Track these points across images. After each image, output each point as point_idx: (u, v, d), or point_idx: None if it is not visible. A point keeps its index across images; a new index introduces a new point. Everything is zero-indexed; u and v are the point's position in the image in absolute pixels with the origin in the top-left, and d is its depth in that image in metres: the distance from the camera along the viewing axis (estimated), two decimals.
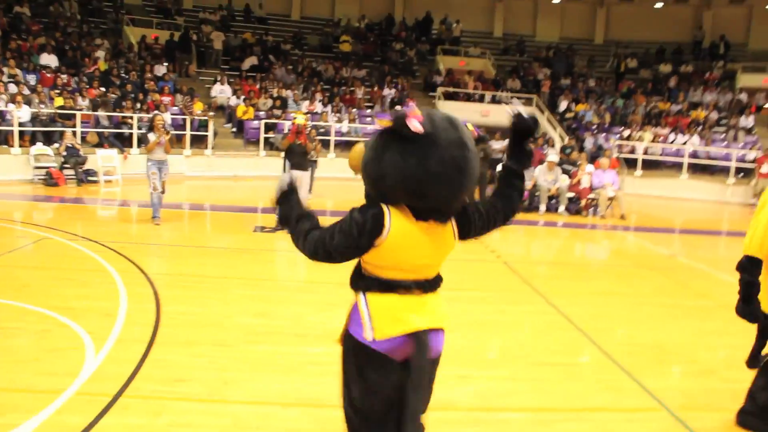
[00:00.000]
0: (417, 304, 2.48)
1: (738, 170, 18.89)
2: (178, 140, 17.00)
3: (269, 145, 18.10)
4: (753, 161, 18.56)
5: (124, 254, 7.51)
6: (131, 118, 16.14)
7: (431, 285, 2.54)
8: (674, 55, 26.46)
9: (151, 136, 9.49)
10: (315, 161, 13.20)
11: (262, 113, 18.73)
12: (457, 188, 2.36)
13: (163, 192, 9.69)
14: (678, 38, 27.37)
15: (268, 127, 18.06)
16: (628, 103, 23.09)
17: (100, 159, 14.48)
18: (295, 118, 10.21)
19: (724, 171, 19.09)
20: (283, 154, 10.25)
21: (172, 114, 16.98)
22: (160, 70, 19.54)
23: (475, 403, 4.15)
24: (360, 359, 2.50)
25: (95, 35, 21.19)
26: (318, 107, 19.80)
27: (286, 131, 10.09)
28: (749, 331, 6.18)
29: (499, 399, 4.23)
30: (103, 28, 22.22)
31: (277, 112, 18.85)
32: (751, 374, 4.14)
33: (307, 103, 19.85)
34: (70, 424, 3.52)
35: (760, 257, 3.77)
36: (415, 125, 2.27)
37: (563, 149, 17.38)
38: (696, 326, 6.27)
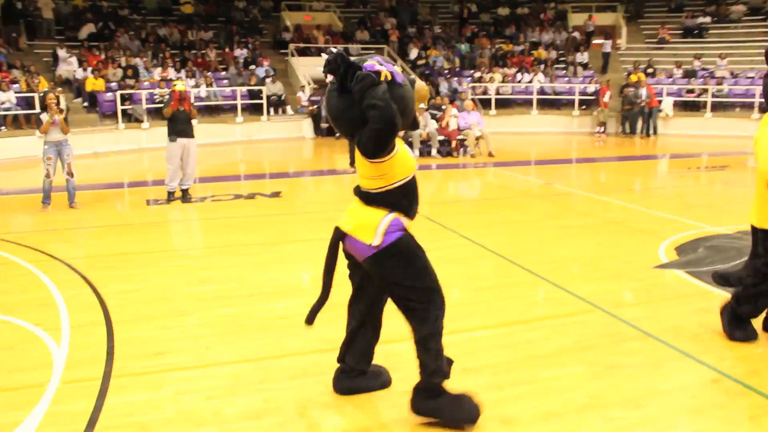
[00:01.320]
0: None
1: (581, 102, 20.60)
2: (26, 121, 15.81)
3: (127, 117, 17.23)
4: (593, 94, 20.30)
5: (25, 244, 7.09)
6: None
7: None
8: None
9: (44, 117, 8.85)
10: None
11: (113, 84, 17.71)
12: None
13: (71, 176, 9.10)
14: None
15: (124, 99, 17.14)
16: (474, 47, 24.19)
17: None
18: (175, 85, 9.91)
19: (569, 104, 20.75)
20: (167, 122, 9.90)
21: (15, 93, 15.63)
22: None
23: None
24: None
25: None
26: (171, 73, 19.02)
27: (167, 98, 9.75)
28: (635, 240, 7.12)
29: (460, 322, 4.61)
30: None
31: (130, 81, 17.90)
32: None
33: (159, 69, 18.98)
34: (75, 411, 3.48)
35: None
36: None
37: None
38: (592, 240, 7.07)
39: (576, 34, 24.38)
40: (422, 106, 3.79)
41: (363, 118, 3.00)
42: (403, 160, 3.17)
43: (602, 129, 19.42)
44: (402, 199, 3.22)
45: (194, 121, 9.83)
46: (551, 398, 3.56)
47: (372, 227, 3.17)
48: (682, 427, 3.29)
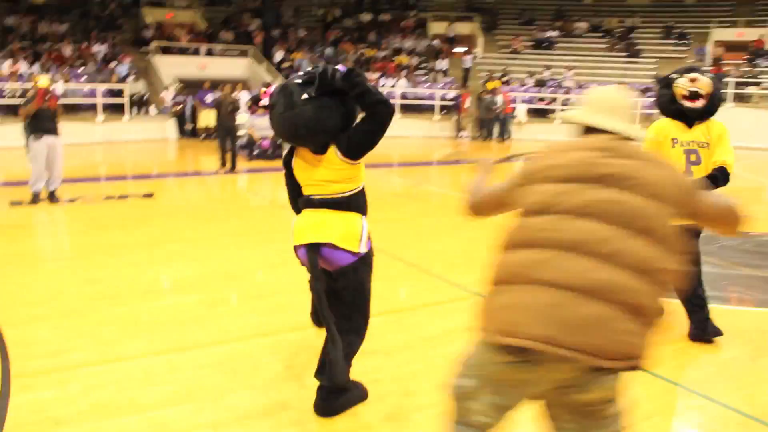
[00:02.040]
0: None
1: (441, 108, 21.66)
2: None
3: None
4: (453, 99, 21.39)
5: None
6: None
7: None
8: (372, 4, 28.70)
9: None
10: None
11: None
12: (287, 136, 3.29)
13: None
14: None
15: None
16: (338, 51, 24.67)
17: None
18: (37, 80, 9.44)
19: (430, 109, 21.74)
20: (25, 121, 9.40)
21: None
22: None
23: None
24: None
25: None
26: (23, 67, 17.89)
27: (30, 96, 9.26)
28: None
29: None
30: None
31: None
32: None
33: (9, 62, 17.79)
34: None
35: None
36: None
37: None
38: (465, 235, 7.66)
39: (436, 42, 25.55)
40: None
41: (345, 122, 3.18)
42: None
43: (464, 133, 20.59)
44: (365, 201, 3.40)
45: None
46: (443, 372, 3.98)
47: (356, 235, 3.26)
48: None
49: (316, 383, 3.47)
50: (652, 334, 2.01)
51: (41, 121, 9.03)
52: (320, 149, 3.24)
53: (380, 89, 18.57)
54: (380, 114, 3.18)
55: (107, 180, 11.99)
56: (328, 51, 24.65)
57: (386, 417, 3.47)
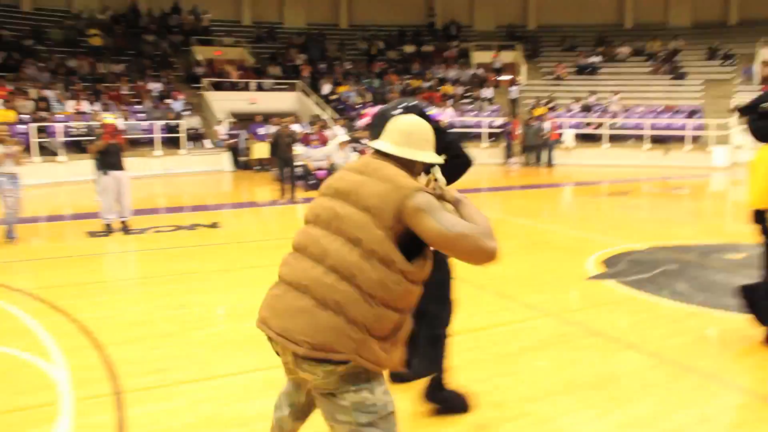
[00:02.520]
0: None
1: (489, 135, 21.88)
2: None
3: (43, 149, 16.81)
4: (500, 127, 21.56)
5: None
6: None
7: None
8: (414, 36, 29.24)
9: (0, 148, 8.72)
10: None
11: (26, 116, 17.24)
12: None
13: (11, 208, 8.94)
14: (415, 21, 30.32)
15: (39, 131, 16.74)
16: (383, 82, 25.15)
17: None
18: (104, 118, 9.99)
19: (477, 137, 21.98)
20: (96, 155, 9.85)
21: None
22: None
23: None
24: None
25: None
26: (85, 106, 18.72)
27: (98, 132, 9.78)
28: (563, 257, 7.91)
29: None
30: None
31: (43, 113, 17.49)
32: None
33: (73, 102, 18.65)
34: (100, 422, 3.71)
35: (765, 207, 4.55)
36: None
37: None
38: (525, 259, 7.80)
39: (480, 70, 25.87)
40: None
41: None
42: None
43: (514, 159, 20.80)
44: None
45: None
46: (530, 386, 4.14)
47: None
48: (637, 401, 3.93)
49: (402, 398, 3.72)
50: (377, 340, 2.28)
51: (109, 156, 9.47)
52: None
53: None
54: (461, 165, 3.71)
55: (173, 211, 12.43)
56: (375, 83, 25.16)
57: (478, 427, 3.64)
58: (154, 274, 7.67)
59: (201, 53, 25.47)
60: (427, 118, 3.34)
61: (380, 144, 2.56)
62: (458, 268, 6.94)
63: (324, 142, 16.53)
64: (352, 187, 2.40)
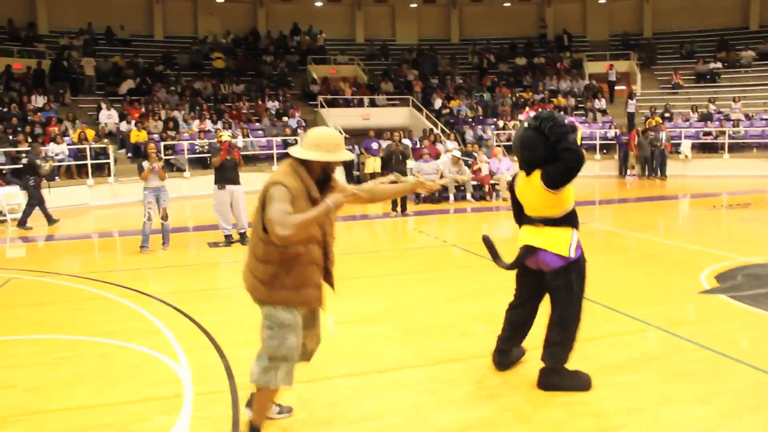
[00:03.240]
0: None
1: (601, 147, 21.32)
2: (78, 171, 16.66)
3: (169, 166, 18.05)
4: (614, 139, 20.92)
5: (110, 281, 7.72)
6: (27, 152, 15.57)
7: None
8: (526, 48, 28.98)
9: (145, 164, 9.58)
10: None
11: (155, 136, 18.61)
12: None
13: (165, 219, 9.80)
14: (526, 33, 30.07)
15: (165, 149, 18.02)
16: (494, 96, 25.09)
17: (3, 197, 13.93)
18: (221, 135, 10.51)
19: (591, 149, 21.45)
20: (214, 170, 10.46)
21: (68, 145, 16.55)
22: (39, 100, 18.83)
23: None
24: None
25: None
26: (208, 125, 19.93)
27: (215, 149, 10.40)
28: (676, 270, 7.66)
29: (528, 342, 5.15)
30: None
31: (171, 133, 18.81)
32: None
33: (197, 122, 19.91)
34: (218, 415, 4.04)
35: None
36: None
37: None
38: (637, 271, 7.63)
39: (593, 81, 25.27)
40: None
41: (549, 154, 3.82)
42: (571, 190, 4.06)
43: (631, 171, 20.15)
44: (575, 218, 4.13)
45: None
46: (631, 397, 4.10)
47: (566, 242, 4.05)
48: (747, 419, 3.80)
49: (509, 404, 3.93)
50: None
51: (225, 171, 10.05)
52: (527, 169, 4.07)
53: None
54: (566, 159, 3.86)
55: None
56: (486, 96, 25.15)
57: None
58: None
59: (316, 72, 26.48)
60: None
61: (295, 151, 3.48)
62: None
63: (436, 156, 16.73)
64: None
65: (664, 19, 28.94)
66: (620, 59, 26.96)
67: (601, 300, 6.28)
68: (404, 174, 13.60)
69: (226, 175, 10.05)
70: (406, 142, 18.34)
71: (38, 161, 13.06)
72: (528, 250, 4.16)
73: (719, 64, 25.19)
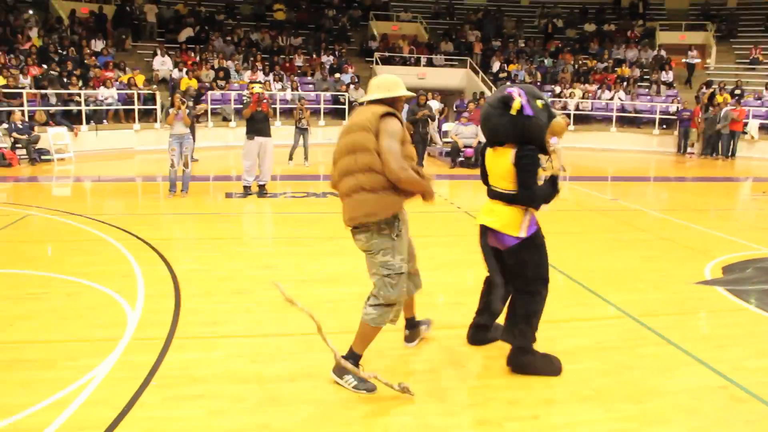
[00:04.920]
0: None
1: (661, 122, 20.31)
2: (126, 115, 17.10)
3: (217, 115, 18.29)
4: (675, 114, 19.88)
5: (114, 224, 7.90)
6: (78, 95, 16.06)
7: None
8: (597, 14, 27.70)
9: (171, 111, 9.74)
10: (307, 129, 14.39)
11: (206, 85, 18.84)
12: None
13: (186, 166, 9.98)
14: None
15: (214, 98, 18.23)
16: (556, 62, 24.18)
17: (51, 138, 14.44)
18: (252, 87, 10.52)
19: (650, 123, 20.49)
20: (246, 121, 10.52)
21: (118, 89, 16.96)
22: (98, 45, 19.31)
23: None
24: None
25: (22, 9, 20.70)
26: (260, 76, 20.02)
27: (246, 100, 10.39)
28: (683, 256, 7.23)
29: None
30: (29, 2, 21.67)
31: (221, 83, 19.00)
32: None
33: (249, 72, 20.03)
34: (140, 361, 4.07)
35: None
36: None
37: None
38: (639, 254, 7.24)
39: (663, 52, 23.98)
40: (554, 140, 4.47)
41: (511, 134, 3.84)
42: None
43: (692, 149, 19.16)
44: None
45: (277, 122, 10.45)
46: (556, 388, 3.88)
47: (517, 223, 3.94)
48: (675, 423, 3.53)
49: (426, 380, 3.78)
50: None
51: (255, 123, 10.07)
52: (491, 143, 4.02)
53: (598, 101, 18.14)
54: (524, 166, 3.82)
55: (317, 178, 12.96)
56: (548, 62, 24.29)
57: (480, 422, 3.51)
58: (261, 235, 8.16)
59: (377, 28, 26.11)
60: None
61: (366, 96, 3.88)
62: (558, 257, 6.62)
63: (477, 120, 16.31)
64: (351, 121, 3.83)
65: None
66: (696, 30, 25.43)
67: (586, 282, 6.01)
68: (426, 137, 13.38)
69: (256, 127, 10.07)
70: (433, 104, 17.86)
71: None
72: (483, 229, 4.04)
73: None
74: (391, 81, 3.88)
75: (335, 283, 5.90)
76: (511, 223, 3.94)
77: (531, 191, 3.83)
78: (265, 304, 5.21)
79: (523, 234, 3.93)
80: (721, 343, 4.65)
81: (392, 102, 3.81)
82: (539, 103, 3.86)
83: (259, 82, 14.27)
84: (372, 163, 3.59)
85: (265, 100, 10.15)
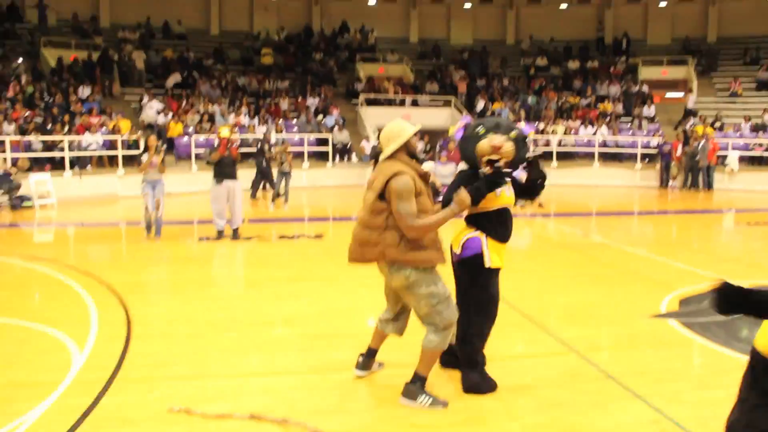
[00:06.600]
0: None
1: (643, 156, 20.52)
2: (109, 161, 17.27)
3: (200, 160, 18.46)
4: (657, 147, 20.08)
5: (82, 269, 7.96)
6: (62, 141, 16.27)
7: None
8: (581, 51, 28.17)
9: (144, 157, 9.88)
10: (288, 172, 14.69)
11: (190, 129, 19.07)
12: None
13: (157, 209, 10.10)
14: (583, 36, 29.17)
15: (199, 143, 18.43)
16: (540, 99, 24.51)
17: (34, 183, 14.57)
18: (220, 131, 10.53)
19: (632, 157, 20.68)
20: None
21: (102, 135, 17.18)
22: (84, 91, 19.60)
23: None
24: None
25: (11, 58, 21.07)
26: (244, 120, 20.28)
27: (216, 145, 10.47)
28: (644, 290, 7.27)
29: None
30: (19, 51, 22.06)
31: (206, 126, 19.24)
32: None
33: (233, 116, 20.29)
34: (75, 404, 4.09)
35: None
36: None
37: None
38: (600, 289, 7.29)
39: (645, 87, 24.33)
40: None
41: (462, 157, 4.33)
42: (489, 198, 4.17)
43: (673, 182, 19.31)
44: (487, 224, 4.25)
45: None
46: (486, 426, 3.91)
47: (458, 240, 4.32)
48: None
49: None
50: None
51: (222, 167, 10.15)
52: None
53: (581, 136, 18.27)
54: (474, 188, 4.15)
55: (291, 221, 13.04)
56: (531, 100, 24.61)
57: None
58: (228, 278, 8.22)
59: (364, 70, 26.51)
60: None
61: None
62: (518, 294, 6.65)
63: (458, 159, 16.48)
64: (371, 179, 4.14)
65: (729, 24, 27.49)
66: (678, 65, 25.84)
67: (540, 318, 6.04)
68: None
69: (223, 171, 10.15)
70: (427, 165, 18.04)
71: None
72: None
73: None
74: (396, 128, 4.09)
75: (283, 325, 5.94)
76: (456, 238, 4.34)
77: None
78: (215, 346, 5.24)
79: (458, 251, 4.28)
80: (662, 377, 4.67)
81: (405, 146, 4.06)
82: (480, 130, 4.14)
83: (228, 125, 14.40)
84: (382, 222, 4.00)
85: (234, 145, 10.27)
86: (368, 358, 4.59)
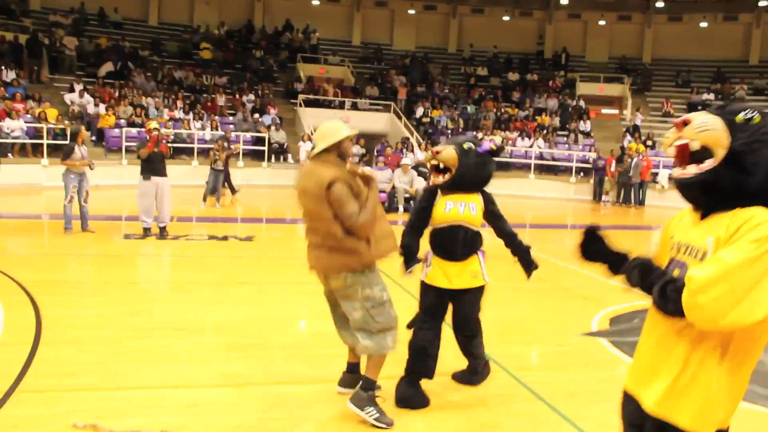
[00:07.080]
0: None
1: (578, 170, 20.94)
2: (33, 150, 16.45)
3: (131, 153, 17.79)
4: (591, 162, 20.52)
5: None
6: None
7: None
8: (521, 63, 28.63)
9: (77, 152, 9.57)
10: (221, 170, 14.49)
11: (122, 121, 18.38)
12: None
13: (86, 202, 9.85)
14: (524, 49, 29.68)
15: (130, 136, 17.77)
16: (479, 109, 24.75)
17: None
18: (150, 125, 10.10)
19: (568, 171, 21.08)
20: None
21: (26, 122, 16.33)
22: (9, 75, 18.63)
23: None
24: None
25: None
26: (179, 114, 19.69)
27: (147, 139, 10.04)
28: (576, 307, 7.28)
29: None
30: None
31: (138, 119, 18.57)
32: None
33: (167, 110, 19.67)
34: None
35: None
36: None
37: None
38: (532, 305, 7.25)
39: (582, 102, 24.90)
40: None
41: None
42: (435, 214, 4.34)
43: (606, 197, 19.75)
44: (434, 244, 4.44)
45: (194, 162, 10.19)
46: None
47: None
48: None
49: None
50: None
51: (152, 163, 9.76)
52: None
53: (518, 148, 18.61)
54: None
55: (222, 221, 12.66)
56: (470, 109, 24.82)
57: None
58: (149, 280, 7.83)
59: (304, 70, 26.21)
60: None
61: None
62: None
63: (397, 164, 16.39)
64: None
65: (664, 46, 28.53)
66: (614, 82, 26.57)
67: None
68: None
69: (153, 167, 9.77)
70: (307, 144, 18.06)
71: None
72: None
73: (712, 96, 24.76)
74: (332, 128, 3.94)
75: (205, 332, 5.65)
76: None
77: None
78: (131, 354, 4.93)
79: (422, 276, 4.49)
80: (591, 399, 4.62)
81: (337, 147, 3.86)
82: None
83: (157, 119, 13.88)
84: (330, 229, 3.77)
85: (164, 140, 9.89)
86: (350, 374, 4.37)
